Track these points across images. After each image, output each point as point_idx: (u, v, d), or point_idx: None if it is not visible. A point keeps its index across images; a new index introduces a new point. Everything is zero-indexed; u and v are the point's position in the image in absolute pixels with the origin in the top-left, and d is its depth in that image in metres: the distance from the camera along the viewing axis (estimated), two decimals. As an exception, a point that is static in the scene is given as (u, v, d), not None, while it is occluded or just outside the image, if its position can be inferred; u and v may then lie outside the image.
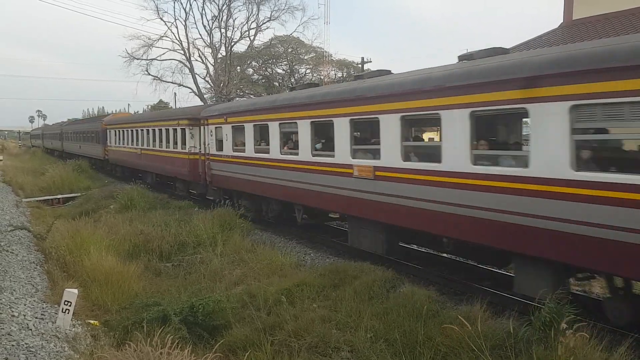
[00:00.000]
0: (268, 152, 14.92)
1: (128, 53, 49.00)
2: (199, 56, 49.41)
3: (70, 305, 7.99)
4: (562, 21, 20.58)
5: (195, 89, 49.95)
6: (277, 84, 50.63)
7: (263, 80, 50.58)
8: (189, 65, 49.35)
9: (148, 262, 12.86)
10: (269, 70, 52.42)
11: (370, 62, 47.29)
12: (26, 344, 7.10)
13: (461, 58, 9.67)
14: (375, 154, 10.87)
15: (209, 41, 49.06)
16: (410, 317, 7.98)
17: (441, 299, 8.92)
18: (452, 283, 10.11)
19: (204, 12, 50.41)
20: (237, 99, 43.03)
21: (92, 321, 8.84)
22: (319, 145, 13.12)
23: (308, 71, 51.56)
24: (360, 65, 47.97)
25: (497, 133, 10.79)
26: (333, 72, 49.30)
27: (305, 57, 51.62)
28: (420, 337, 7.35)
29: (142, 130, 27.18)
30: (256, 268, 11.44)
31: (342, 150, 11.76)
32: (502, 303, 8.84)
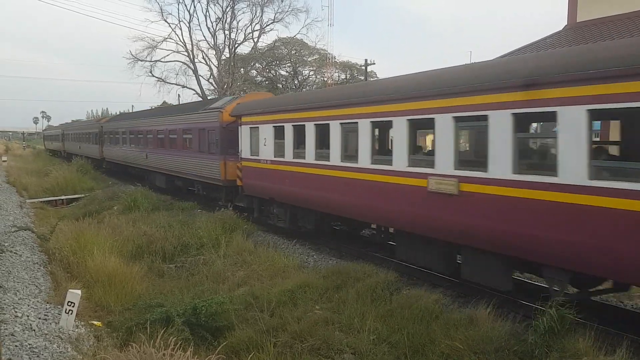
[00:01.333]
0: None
1: (132, 54, 49.20)
2: (203, 58, 49.59)
3: (73, 306, 7.99)
4: (566, 23, 20.53)
5: (198, 90, 50.06)
6: (280, 85, 50.68)
7: (267, 82, 50.62)
8: (192, 67, 49.50)
9: (151, 264, 12.87)
10: (272, 72, 52.49)
11: (374, 64, 47.42)
12: (29, 344, 7.10)
13: None
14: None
15: (212, 43, 49.22)
16: (414, 319, 7.96)
17: (445, 302, 8.90)
18: (456, 286, 10.06)
19: (207, 14, 50.11)
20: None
21: (95, 322, 8.85)
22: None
23: (312, 73, 51.62)
24: (363, 68, 47.99)
25: None
26: (337, 74, 49.32)
27: (309, 59, 51.67)
28: (424, 340, 7.32)
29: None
30: (259, 270, 11.43)
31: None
32: (506, 306, 8.79)
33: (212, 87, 50.67)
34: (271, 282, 10.45)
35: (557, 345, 6.50)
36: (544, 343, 6.58)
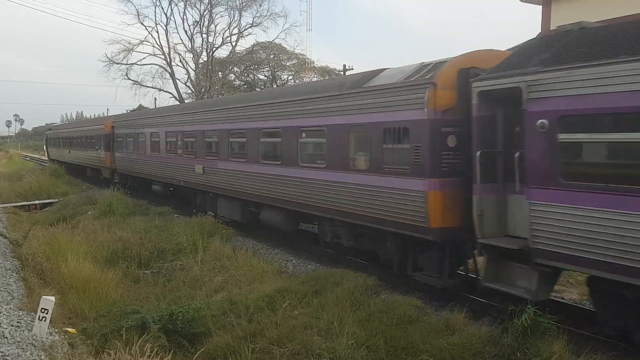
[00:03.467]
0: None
1: (108, 57, 48.58)
2: (180, 61, 49.24)
3: (47, 313, 7.83)
4: (540, 31, 20.93)
5: (176, 94, 49.66)
6: (259, 89, 50.56)
7: (245, 86, 50.49)
8: (169, 70, 49.15)
9: (127, 269, 12.68)
10: (250, 76, 52.38)
11: (352, 69, 47.51)
12: (1, 352, 6.93)
13: None
14: None
15: (190, 46, 48.94)
16: (392, 323, 8.00)
17: (423, 305, 8.95)
18: (432, 289, 10.13)
19: (185, 17, 49.73)
20: None
21: (69, 329, 8.67)
22: None
23: (290, 77, 51.63)
24: (342, 73, 48.16)
25: None
26: (315, 78, 49.37)
27: (288, 64, 51.70)
28: (403, 344, 7.36)
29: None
30: (237, 275, 11.36)
31: None
32: (480, 309, 8.90)
33: (189, 91, 50.37)
34: (250, 287, 10.39)
35: (532, 348, 6.60)
36: (519, 346, 6.67)
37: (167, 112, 22.53)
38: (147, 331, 7.91)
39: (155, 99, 54.00)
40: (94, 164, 31.39)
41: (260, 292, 9.84)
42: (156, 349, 6.68)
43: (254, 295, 9.71)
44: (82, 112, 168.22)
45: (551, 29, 20.29)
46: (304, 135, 12.70)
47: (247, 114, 15.03)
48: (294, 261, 12.99)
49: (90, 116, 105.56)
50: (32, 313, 8.48)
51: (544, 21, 21.02)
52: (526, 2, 22.29)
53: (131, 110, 35.88)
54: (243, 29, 49.50)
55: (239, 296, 9.75)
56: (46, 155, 53.56)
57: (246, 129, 15.02)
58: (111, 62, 48.53)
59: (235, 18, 49.14)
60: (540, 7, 21.17)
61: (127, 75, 49.57)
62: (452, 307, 8.52)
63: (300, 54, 51.04)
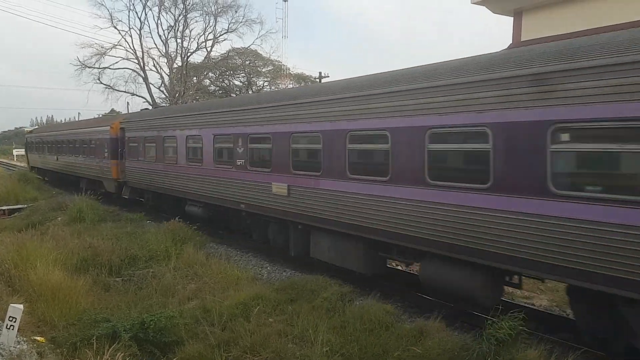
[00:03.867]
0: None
1: (80, 61, 47.69)
2: (154, 65, 48.67)
3: (15, 322, 7.62)
4: (511, 42, 21.35)
5: (149, 98, 49.09)
6: (234, 95, 50.34)
7: (220, 92, 50.23)
8: (143, 75, 48.49)
9: (97, 277, 12.41)
10: (226, 81, 52.13)
11: (328, 76, 47.72)
12: (-35, 363, 6.71)
13: None
14: None
15: (164, 51, 48.40)
16: (366, 330, 8.02)
17: (397, 312, 8.99)
18: (407, 296, 10.20)
19: (159, 21, 49.22)
20: None
21: (38, 338, 8.47)
22: None
23: (266, 84, 51.58)
24: (317, 80, 48.31)
25: None
26: (291, 85, 49.43)
27: (263, 70, 51.66)
28: (377, 351, 7.37)
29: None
30: (211, 282, 11.24)
31: None
32: (454, 316, 8.97)
33: (163, 96, 49.82)
34: (223, 295, 10.29)
35: (506, 355, 6.67)
36: (493, 353, 6.74)
37: (216, 107, 15.88)
38: (118, 340, 7.79)
39: (127, 103, 53.32)
40: (93, 175, 25.56)
41: (234, 299, 9.75)
42: (127, 358, 6.56)
43: (228, 302, 9.61)
44: (52, 116, 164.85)
45: (522, 40, 20.73)
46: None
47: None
48: (268, 268, 12.91)
49: (61, 120, 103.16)
50: (0, 321, 8.25)
51: (515, 33, 21.47)
52: (498, 14, 22.76)
53: (142, 109, 29.22)
54: (218, 35, 49.29)
55: (213, 304, 9.63)
56: (26, 162, 46.30)
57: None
58: (83, 65, 47.73)
59: (211, 23, 48.97)
60: (512, 19, 21.64)
61: (99, 80, 48.81)
62: (426, 313, 8.56)
63: (276, 61, 51.12)
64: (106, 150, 23.49)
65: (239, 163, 13.98)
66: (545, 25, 19.52)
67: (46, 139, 36.47)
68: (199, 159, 16.10)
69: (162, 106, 44.84)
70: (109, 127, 23.55)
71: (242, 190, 13.83)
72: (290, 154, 11.97)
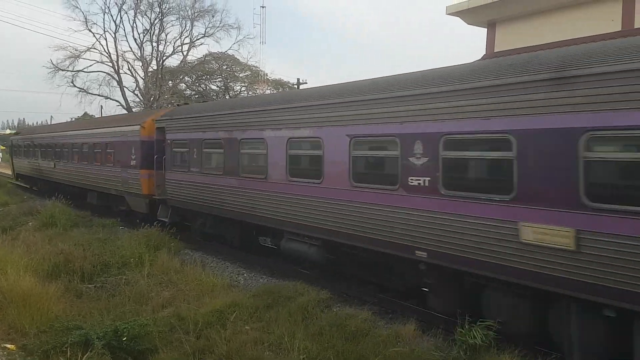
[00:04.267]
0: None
1: (53, 64, 46.85)
2: (129, 69, 48.06)
3: (-18, 330, 7.42)
4: (484, 53, 21.74)
5: (123, 102, 48.45)
6: (211, 100, 50.04)
7: (197, 96, 49.85)
8: (117, 78, 47.84)
9: (69, 283, 12.17)
10: (202, 86, 51.79)
11: (306, 83, 47.89)
12: None
13: None
14: None
15: (139, 54, 47.87)
16: (343, 337, 8.03)
17: (373, 318, 9.02)
18: (383, 302, 10.25)
19: (135, 25, 48.62)
20: None
21: (8, 345, 8.29)
22: None
23: (243, 89, 51.42)
24: (296, 86, 48.39)
25: None
26: (269, 90, 49.38)
27: (241, 75, 51.49)
28: (354, 357, 7.39)
29: None
30: (186, 289, 11.13)
31: None
32: (429, 321, 9.05)
33: (137, 99, 49.23)
34: (198, 302, 10.19)
35: (479, 360, 6.77)
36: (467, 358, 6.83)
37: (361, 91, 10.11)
38: (90, 348, 7.68)
39: (101, 107, 52.54)
40: (112, 188, 20.08)
41: (209, 307, 9.67)
42: (100, 367, 6.44)
43: (204, 310, 9.53)
44: (24, 119, 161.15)
45: (495, 51, 21.12)
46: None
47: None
48: (245, 275, 12.83)
49: (33, 123, 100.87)
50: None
51: (489, 44, 21.88)
52: (472, 25, 23.16)
53: (183, 103, 24.11)
54: (195, 39, 48.97)
55: (188, 311, 9.54)
56: (11, 169, 40.23)
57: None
58: (56, 68, 46.88)
59: (187, 28, 48.58)
60: (485, 30, 22.06)
61: (72, 83, 48.01)
62: (402, 319, 8.63)
63: (254, 66, 51.01)
64: (134, 157, 18.10)
65: (414, 183, 8.74)
66: (517, 36, 19.95)
67: (39, 142, 30.40)
68: (315, 173, 10.99)
69: (142, 109, 44.21)
70: (139, 126, 18.13)
71: (421, 228, 8.60)
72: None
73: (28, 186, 34.50)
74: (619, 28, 16.75)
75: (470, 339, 6.93)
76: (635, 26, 16.16)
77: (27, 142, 33.87)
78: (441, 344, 7.63)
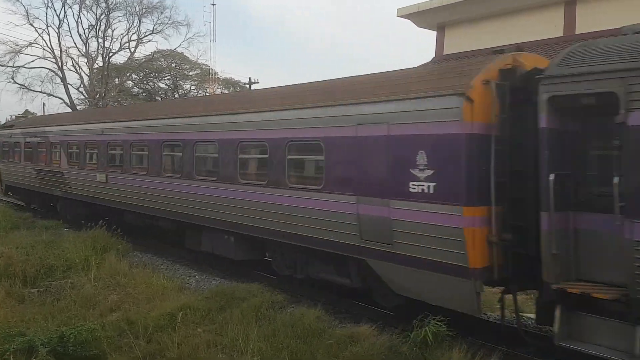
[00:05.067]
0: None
1: (-8, 59, 44.55)
2: (73, 65, 46.36)
3: None
4: (434, 55, 22.24)
5: (67, 99, 46.72)
6: (159, 98, 48.96)
7: (144, 94, 48.70)
8: (60, 75, 46.08)
9: (10, 288, 11.60)
10: (150, 84, 50.62)
11: (258, 82, 47.57)
12: None
13: None
14: None
15: (84, 50, 46.23)
16: (298, 337, 8.01)
17: (328, 319, 9.05)
18: (337, 302, 10.29)
19: (79, 20, 46.90)
20: None
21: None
22: None
23: (193, 87, 50.61)
24: (247, 85, 48.01)
25: None
26: (219, 89, 48.79)
27: (190, 73, 50.66)
28: (308, 358, 7.39)
29: None
30: (135, 293, 10.83)
31: None
32: (384, 320, 9.16)
33: (82, 97, 47.60)
34: (149, 305, 9.94)
35: (431, 357, 6.90)
36: (419, 354, 6.95)
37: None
38: (34, 354, 7.45)
39: (44, 104, 50.42)
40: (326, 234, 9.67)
41: (160, 310, 9.44)
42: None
43: (154, 313, 9.31)
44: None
45: (445, 53, 21.63)
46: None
47: None
48: (197, 276, 12.62)
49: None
50: None
51: (438, 46, 22.40)
52: (422, 27, 23.65)
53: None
54: (143, 36, 47.72)
55: (137, 315, 9.31)
56: None
57: None
58: (-5, 64, 44.65)
59: (135, 24, 47.29)
60: (435, 33, 22.58)
61: (13, 79, 45.90)
62: (356, 319, 8.70)
63: (204, 64, 50.26)
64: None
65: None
66: (465, 40, 20.51)
67: (65, 139, 19.77)
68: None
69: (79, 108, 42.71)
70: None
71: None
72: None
73: (24, 203, 25.33)
74: (561, 33, 17.49)
75: (421, 335, 7.05)
76: (577, 32, 16.89)
77: (31, 138, 22.88)
78: (395, 343, 7.71)
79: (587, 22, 16.68)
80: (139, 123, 15.50)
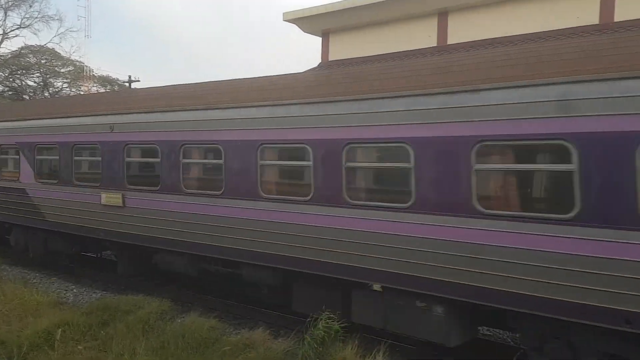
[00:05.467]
0: None
1: None
2: None
3: None
4: (320, 61, 22.73)
5: None
6: (27, 97, 45.01)
7: (10, 93, 44.53)
8: None
9: None
10: (17, 81, 46.39)
11: (139, 81, 45.50)
12: None
13: None
14: None
15: (-61, 43, 41.27)
16: (189, 348, 7.78)
17: (221, 326, 8.86)
18: (231, 308, 10.15)
19: None
20: None
21: None
22: None
23: (65, 85, 47.15)
24: (127, 84, 45.74)
25: None
26: (95, 87, 45.95)
27: (62, 70, 47.15)
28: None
29: None
30: (4, 310, 9.87)
31: None
32: (280, 324, 9.19)
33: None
34: (22, 323, 9.09)
35: (326, 355, 7.04)
36: (315, 354, 7.06)
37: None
38: None
39: None
40: None
41: (35, 327, 8.68)
42: None
43: (28, 331, 8.55)
44: None
45: (330, 59, 22.20)
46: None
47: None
48: (75, 290, 11.76)
49: None
50: None
51: (324, 52, 22.92)
52: (308, 33, 24.07)
53: None
54: (9, 30, 43.74)
55: (9, 334, 8.51)
56: None
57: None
58: None
59: (0, 17, 43.17)
60: (320, 39, 23.08)
61: None
62: (251, 324, 8.63)
63: (78, 61, 47.02)
64: None
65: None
66: (348, 47, 21.18)
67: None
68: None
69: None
70: None
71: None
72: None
73: None
74: (434, 44, 18.65)
75: (316, 332, 7.17)
76: (448, 42, 18.13)
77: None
78: (291, 345, 7.77)
79: (458, 32, 17.93)
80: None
